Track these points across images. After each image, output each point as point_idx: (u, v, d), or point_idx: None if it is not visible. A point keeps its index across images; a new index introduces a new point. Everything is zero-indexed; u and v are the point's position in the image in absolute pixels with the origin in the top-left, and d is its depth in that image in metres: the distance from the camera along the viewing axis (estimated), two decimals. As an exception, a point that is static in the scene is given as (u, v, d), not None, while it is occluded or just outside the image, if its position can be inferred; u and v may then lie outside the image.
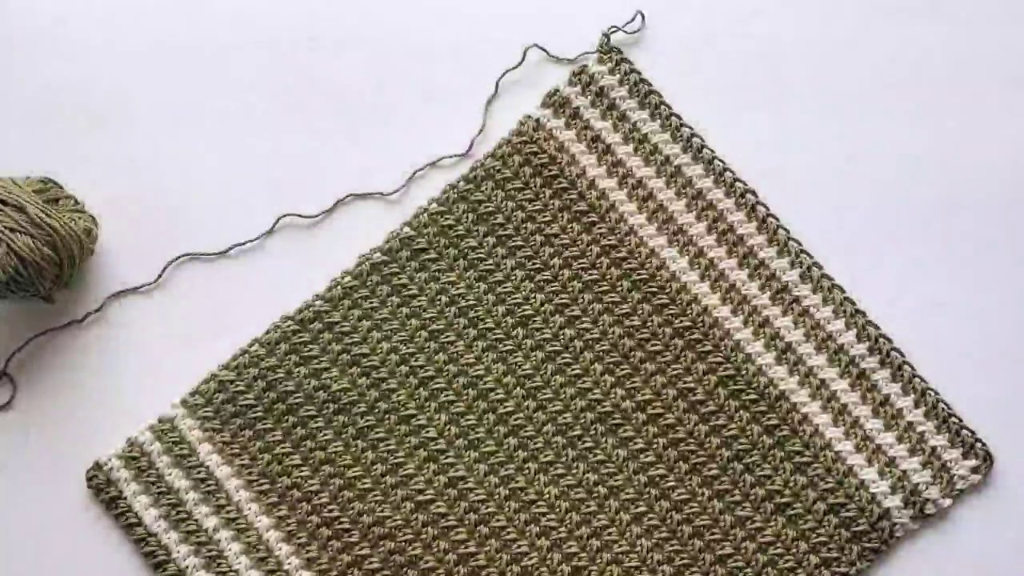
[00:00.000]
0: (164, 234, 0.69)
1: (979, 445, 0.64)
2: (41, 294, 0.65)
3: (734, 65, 0.72)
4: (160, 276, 0.68)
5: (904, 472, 0.63)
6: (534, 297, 0.67)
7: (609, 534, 0.64)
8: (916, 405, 0.64)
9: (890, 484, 0.63)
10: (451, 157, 0.70)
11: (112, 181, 0.69)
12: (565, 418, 0.66)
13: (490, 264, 0.68)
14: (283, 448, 0.65)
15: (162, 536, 0.64)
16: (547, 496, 0.65)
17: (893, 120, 0.71)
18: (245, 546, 0.64)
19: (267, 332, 0.67)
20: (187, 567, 0.64)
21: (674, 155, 0.69)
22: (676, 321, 0.67)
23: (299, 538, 0.64)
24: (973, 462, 0.63)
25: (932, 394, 0.64)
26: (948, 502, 0.63)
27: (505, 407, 0.66)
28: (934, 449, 0.63)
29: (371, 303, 0.67)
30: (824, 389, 0.65)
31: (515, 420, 0.66)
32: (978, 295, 0.68)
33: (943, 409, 0.64)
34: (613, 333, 0.67)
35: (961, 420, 0.64)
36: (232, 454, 0.65)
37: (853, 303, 0.66)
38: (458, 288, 0.68)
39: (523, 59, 0.71)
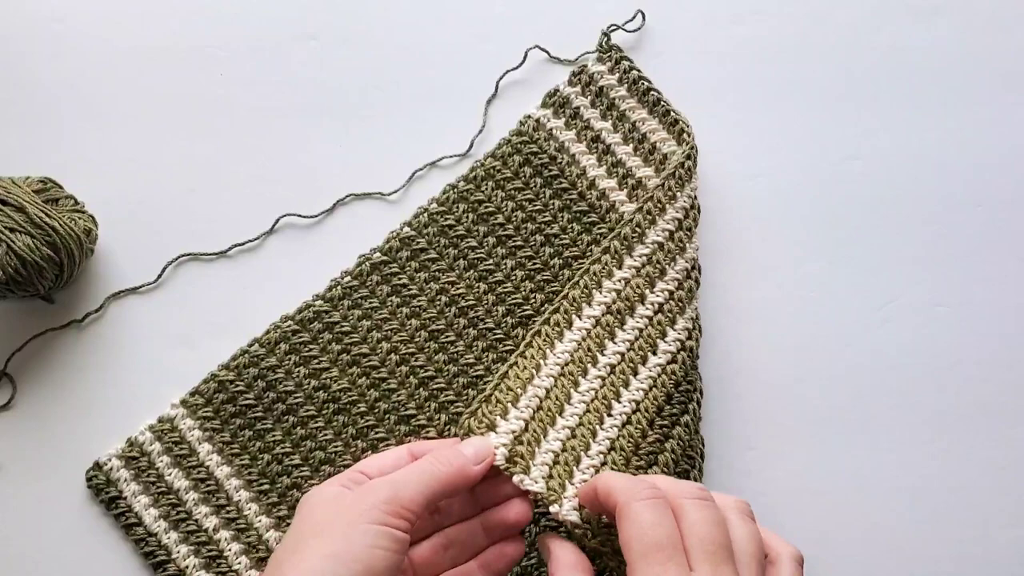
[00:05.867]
0: (164, 234, 0.69)
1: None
2: (41, 294, 0.65)
3: (734, 65, 0.72)
4: (160, 276, 0.68)
5: None
6: (534, 297, 0.67)
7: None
8: None
9: None
10: (451, 157, 0.70)
11: (112, 181, 0.69)
12: (565, 418, 0.66)
13: (490, 264, 0.68)
14: (283, 448, 0.65)
15: (162, 536, 0.64)
16: (547, 496, 0.65)
17: (893, 120, 0.71)
18: (245, 546, 0.64)
19: (267, 332, 0.67)
20: (187, 567, 0.64)
21: (671, 152, 0.69)
22: (676, 321, 0.67)
23: (299, 538, 0.64)
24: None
25: None
26: None
27: (505, 407, 0.66)
28: None
29: (371, 303, 0.67)
30: None
31: (515, 420, 0.66)
32: (978, 295, 0.68)
33: None
34: (613, 333, 0.67)
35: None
36: (232, 454, 0.65)
37: None
38: (458, 288, 0.68)
39: (524, 60, 0.71)
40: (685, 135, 0.68)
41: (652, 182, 0.67)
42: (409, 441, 0.65)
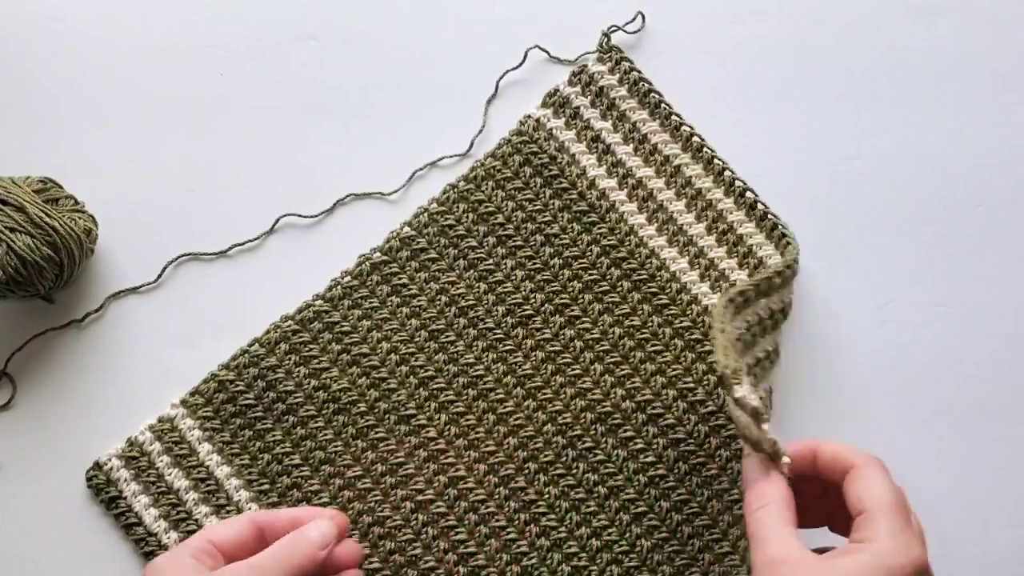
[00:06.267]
0: (164, 234, 0.69)
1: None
2: (41, 294, 0.65)
3: (734, 65, 0.72)
4: (160, 276, 0.68)
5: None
6: (534, 297, 0.67)
7: (609, 534, 0.64)
8: None
9: None
10: (451, 157, 0.70)
11: (112, 181, 0.69)
12: (565, 418, 0.66)
13: (490, 264, 0.68)
14: (283, 448, 0.65)
15: (162, 536, 0.64)
16: (547, 496, 0.65)
17: (892, 120, 0.71)
18: (245, 546, 0.64)
19: (267, 332, 0.67)
20: (187, 567, 0.64)
21: (673, 155, 0.69)
22: (676, 321, 0.67)
23: (299, 538, 0.64)
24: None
25: None
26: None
27: (505, 407, 0.66)
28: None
29: (371, 303, 0.67)
30: None
31: (515, 420, 0.66)
32: (978, 295, 0.68)
33: None
34: (613, 333, 0.67)
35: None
36: (232, 454, 0.65)
37: None
38: (458, 288, 0.68)
39: (524, 60, 0.71)
40: (696, 138, 0.67)
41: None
42: (409, 442, 0.65)
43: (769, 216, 0.67)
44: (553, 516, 0.64)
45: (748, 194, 0.68)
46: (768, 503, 0.50)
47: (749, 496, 0.52)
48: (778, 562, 0.48)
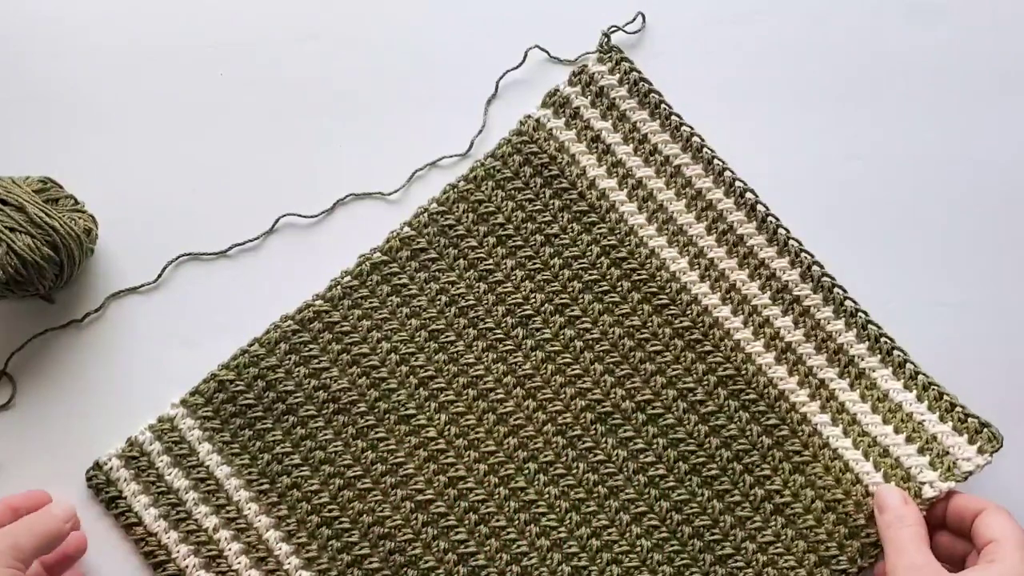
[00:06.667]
0: (164, 234, 0.69)
1: (986, 428, 0.62)
2: (41, 294, 0.65)
3: (734, 65, 0.72)
4: (160, 276, 0.68)
5: (897, 459, 0.63)
6: (534, 297, 0.67)
7: (609, 534, 0.64)
8: (919, 399, 0.64)
9: (883, 473, 0.63)
10: (451, 157, 0.71)
11: (112, 181, 0.69)
12: (565, 418, 0.66)
13: (490, 264, 0.68)
14: (283, 448, 0.65)
15: (162, 536, 0.64)
16: (547, 496, 0.65)
17: (893, 120, 0.71)
18: (245, 546, 0.64)
19: (267, 332, 0.67)
20: (187, 567, 0.64)
21: (674, 155, 0.69)
22: (676, 321, 0.67)
23: (299, 538, 0.64)
24: (978, 445, 0.62)
25: (935, 387, 0.64)
26: (948, 485, 0.62)
27: (505, 407, 0.66)
28: (934, 436, 0.63)
29: (371, 303, 0.67)
30: (823, 389, 0.65)
31: (515, 420, 0.66)
32: (978, 295, 0.68)
33: (947, 399, 0.63)
34: (613, 333, 0.67)
35: (966, 408, 0.63)
36: (232, 454, 0.65)
37: (854, 302, 0.66)
38: (458, 288, 0.68)
39: (524, 60, 0.71)
40: (696, 139, 0.68)
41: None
42: (409, 442, 0.65)
43: (768, 219, 0.67)
44: (553, 516, 0.64)
45: (748, 195, 0.68)
46: (912, 524, 0.60)
47: (891, 514, 0.60)
48: (918, 567, 0.58)
